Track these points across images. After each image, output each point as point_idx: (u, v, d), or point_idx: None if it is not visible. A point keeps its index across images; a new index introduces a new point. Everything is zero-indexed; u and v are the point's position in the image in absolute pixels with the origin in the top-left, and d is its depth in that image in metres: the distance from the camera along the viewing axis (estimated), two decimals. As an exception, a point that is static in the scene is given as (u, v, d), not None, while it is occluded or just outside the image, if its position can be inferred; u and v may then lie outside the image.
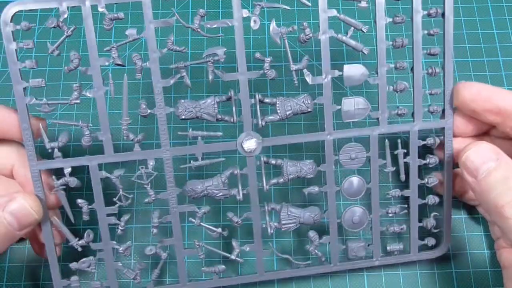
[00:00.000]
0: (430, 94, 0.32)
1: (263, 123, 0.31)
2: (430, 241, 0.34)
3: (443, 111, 0.32)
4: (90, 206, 0.31)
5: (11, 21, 0.28)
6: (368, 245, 0.33)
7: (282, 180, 0.32)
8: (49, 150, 0.30)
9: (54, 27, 0.29)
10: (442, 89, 0.32)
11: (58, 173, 0.30)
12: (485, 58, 0.40)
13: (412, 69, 0.32)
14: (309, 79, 0.31)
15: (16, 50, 0.29)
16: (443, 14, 0.31)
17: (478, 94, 0.30)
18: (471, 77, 0.39)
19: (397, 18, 0.31)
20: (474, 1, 0.39)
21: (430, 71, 0.32)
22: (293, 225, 0.32)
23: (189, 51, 0.37)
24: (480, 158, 0.28)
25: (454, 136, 0.32)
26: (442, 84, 0.32)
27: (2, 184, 0.31)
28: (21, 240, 0.33)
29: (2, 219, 0.27)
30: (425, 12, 0.31)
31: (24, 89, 0.29)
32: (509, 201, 0.27)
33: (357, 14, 0.31)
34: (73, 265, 0.31)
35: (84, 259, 0.31)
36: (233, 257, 0.32)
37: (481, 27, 0.36)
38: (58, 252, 0.32)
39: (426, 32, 0.31)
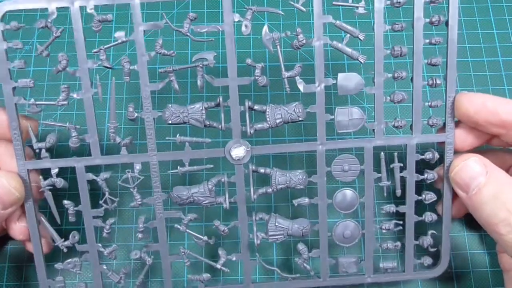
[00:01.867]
0: (430, 106, 0.31)
1: (252, 131, 0.30)
2: (427, 260, 0.32)
3: (444, 124, 0.31)
4: (76, 208, 0.31)
5: (1, 21, 0.28)
6: (360, 261, 0.32)
7: (270, 190, 0.31)
8: (37, 151, 0.30)
9: (42, 27, 0.29)
10: (443, 101, 0.30)
11: (44, 174, 0.30)
12: (485, 58, 0.39)
13: (412, 79, 0.30)
14: (301, 87, 0.30)
15: (5, 50, 0.29)
16: (446, 23, 0.29)
17: (483, 106, 0.28)
18: (471, 77, 0.38)
19: (396, 25, 0.29)
20: (474, 1, 0.38)
21: (430, 82, 0.30)
22: (280, 236, 0.31)
23: (189, 51, 0.36)
24: (469, 173, 0.28)
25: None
26: (443, 96, 0.30)
27: None
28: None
29: None
30: (427, 20, 0.29)
31: (13, 88, 0.29)
32: (502, 218, 0.26)
33: (358, 22, 0.30)
34: (58, 266, 0.31)
35: (69, 260, 0.31)
36: (218, 266, 0.32)
37: (481, 27, 0.35)
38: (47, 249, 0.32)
39: (427, 41, 0.29)
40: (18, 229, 0.31)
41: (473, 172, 0.28)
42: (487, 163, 0.28)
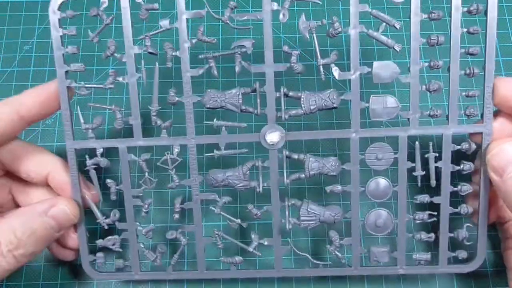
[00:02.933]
0: (467, 96, 0.30)
1: (287, 117, 0.31)
2: (462, 253, 0.32)
3: (482, 115, 0.30)
4: (117, 187, 0.32)
5: (58, 10, 0.31)
6: (393, 252, 0.32)
7: (303, 175, 0.31)
8: (84, 131, 0.32)
9: (95, 15, 0.31)
10: (480, 90, 0.30)
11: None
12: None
13: (448, 68, 0.30)
14: (336, 74, 0.30)
15: (61, 36, 0.31)
16: (485, 12, 0.29)
17: None
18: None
19: (433, 14, 0.30)
20: (474, 1, 0.38)
21: (468, 71, 0.30)
22: (312, 222, 0.32)
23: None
24: (506, 157, 0.27)
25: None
26: (482, 85, 0.30)
27: (39, 191, 0.33)
28: None
29: (46, 224, 0.29)
30: (465, 9, 0.29)
31: (66, 72, 0.31)
32: None
33: (387, 12, 0.30)
34: (99, 242, 0.33)
35: (109, 237, 0.33)
36: (251, 249, 0.32)
37: (481, 27, 0.34)
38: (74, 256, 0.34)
39: (465, 30, 0.29)
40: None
41: (510, 156, 0.27)
42: None
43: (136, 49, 0.31)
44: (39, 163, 0.32)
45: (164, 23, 0.31)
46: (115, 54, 0.31)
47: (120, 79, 0.31)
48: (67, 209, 0.31)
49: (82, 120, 0.32)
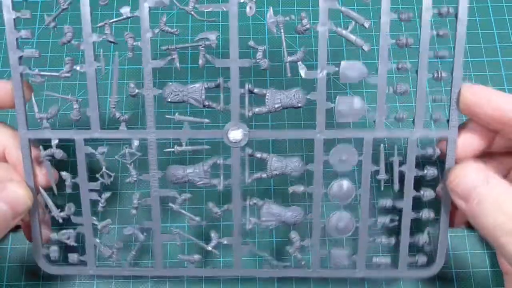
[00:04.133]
0: (434, 100, 0.30)
1: (250, 114, 0.30)
2: (421, 258, 0.31)
3: (448, 120, 0.30)
4: (73, 180, 0.31)
5: (11, -9, 0.29)
6: (353, 255, 0.31)
7: (265, 175, 0.31)
8: (38, 120, 0.30)
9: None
10: (447, 96, 0.29)
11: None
12: (485, 58, 0.39)
13: (416, 71, 0.29)
14: (303, 72, 0.29)
15: (14, 19, 0.29)
16: (456, 15, 0.28)
17: (485, 99, 0.27)
18: (471, 77, 0.38)
19: (403, 15, 0.29)
20: (474, 1, 0.37)
21: (436, 75, 0.29)
22: (273, 223, 0.31)
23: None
24: (469, 182, 0.27)
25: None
26: (449, 91, 0.29)
27: None
28: (16, 228, 0.34)
29: None
30: (436, 11, 0.28)
31: (20, 58, 0.30)
32: (506, 230, 0.25)
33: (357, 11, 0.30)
34: (53, 236, 0.32)
35: (64, 231, 0.32)
36: (209, 248, 0.32)
37: (481, 27, 0.34)
38: (49, 227, 0.32)
39: (435, 32, 0.29)
40: None
41: (473, 181, 0.27)
42: (487, 171, 0.27)
43: (94, 37, 0.29)
44: None
45: (125, 10, 0.29)
46: (72, 42, 0.30)
47: (78, 68, 0.30)
48: (19, 191, 0.29)
49: (36, 109, 0.31)
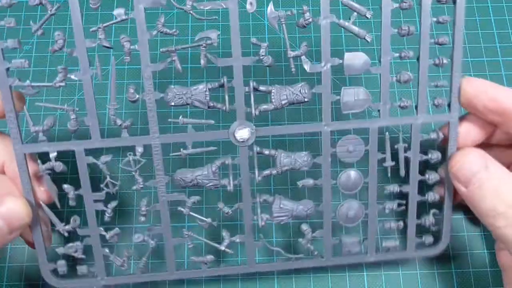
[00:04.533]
0: (436, 86, 0.30)
1: (257, 112, 0.29)
2: (428, 238, 0.33)
3: (449, 104, 0.30)
4: (76, 192, 0.30)
5: (-8, -2, 0.27)
6: (363, 241, 0.32)
7: (275, 171, 0.31)
8: (34, 134, 0.29)
9: (37, 5, 0.27)
10: (448, 81, 0.30)
11: (43, 159, 0.29)
12: (485, 58, 0.39)
13: (418, 58, 0.30)
14: (307, 66, 0.29)
15: None
16: (454, 1, 0.29)
17: (483, 91, 0.28)
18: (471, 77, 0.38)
19: (404, 3, 0.29)
20: (474, 1, 0.38)
21: (437, 61, 0.30)
22: (285, 217, 0.31)
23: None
24: (470, 167, 0.28)
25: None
26: (449, 76, 0.30)
27: None
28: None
29: None
30: (435, -2, 0.29)
31: (7, 70, 0.28)
32: (501, 212, 0.27)
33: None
34: (60, 250, 0.31)
35: (71, 244, 0.31)
36: (222, 247, 0.32)
37: (481, 27, 0.35)
38: (49, 241, 0.31)
39: (435, 19, 0.29)
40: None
41: (474, 167, 0.28)
42: (488, 158, 0.28)
43: (88, 43, 0.28)
44: None
45: (119, 12, 0.28)
46: (65, 49, 0.28)
47: (72, 76, 0.28)
48: (16, 207, 0.28)
49: (30, 123, 0.29)
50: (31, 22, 0.28)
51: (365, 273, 0.35)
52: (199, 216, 0.31)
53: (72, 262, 0.31)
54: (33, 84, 0.28)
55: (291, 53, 0.29)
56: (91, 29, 0.28)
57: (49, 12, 0.27)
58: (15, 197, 0.29)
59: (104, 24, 0.28)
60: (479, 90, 0.29)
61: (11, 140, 0.29)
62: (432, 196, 0.32)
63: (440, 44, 0.30)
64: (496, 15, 0.39)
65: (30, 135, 0.29)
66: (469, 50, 0.39)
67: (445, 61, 0.30)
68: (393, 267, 0.35)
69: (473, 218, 0.35)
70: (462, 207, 0.34)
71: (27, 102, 0.30)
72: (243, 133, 0.29)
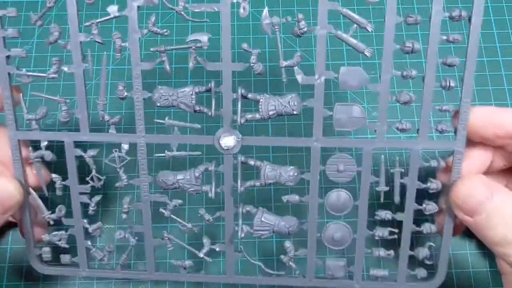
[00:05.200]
0: (441, 110, 0.28)
1: (243, 121, 0.28)
2: (421, 272, 0.30)
3: (455, 131, 0.28)
4: (63, 182, 0.31)
5: (-5, -13, 0.28)
6: (349, 266, 0.30)
7: (258, 183, 0.29)
8: (27, 122, 0.30)
9: (35, -3, 0.28)
10: (454, 105, 0.27)
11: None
12: (485, 58, 0.38)
13: (423, 79, 0.27)
14: (299, 78, 0.28)
15: (1, 17, 0.28)
16: (469, 19, 0.26)
17: (489, 120, 0.27)
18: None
19: (410, 18, 0.26)
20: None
21: (444, 84, 0.27)
22: (265, 232, 0.30)
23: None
24: (475, 196, 0.26)
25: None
26: (454, 100, 0.27)
27: None
28: (12, 226, 0.33)
29: None
30: (447, 14, 0.26)
31: (7, 57, 0.29)
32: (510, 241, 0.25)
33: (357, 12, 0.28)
34: (45, 237, 0.32)
35: (55, 232, 0.31)
36: (201, 255, 0.31)
37: (482, 27, 0.32)
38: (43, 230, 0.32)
39: (444, 38, 0.26)
40: None
41: (480, 196, 0.26)
42: (493, 185, 0.26)
43: (82, 37, 0.28)
44: None
45: (112, 9, 0.28)
46: (59, 41, 0.28)
47: (65, 68, 0.29)
48: (9, 186, 0.29)
49: (25, 110, 0.30)
50: (31, 13, 0.28)
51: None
52: (180, 220, 0.31)
53: (58, 250, 0.32)
54: (28, 73, 0.29)
55: (283, 63, 0.28)
56: (84, 24, 0.28)
57: (47, 4, 0.28)
58: (7, 176, 0.29)
59: (97, 20, 0.28)
60: (485, 119, 0.27)
61: (3, 126, 0.29)
62: (428, 228, 0.29)
63: (449, 65, 0.27)
64: (496, 15, 0.37)
65: (24, 123, 0.30)
66: None
67: (452, 84, 0.27)
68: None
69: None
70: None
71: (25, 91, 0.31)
72: (228, 140, 0.29)
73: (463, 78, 0.27)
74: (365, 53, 0.27)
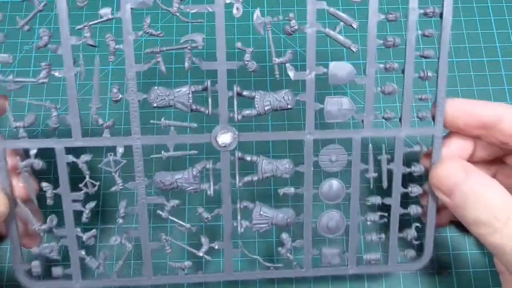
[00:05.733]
0: (420, 99, 0.30)
1: (240, 117, 0.29)
2: (410, 253, 0.32)
3: (433, 118, 0.30)
4: (55, 191, 0.30)
5: (-21, -9, 0.27)
6: (344, 253, 0.32)
7: (256, 178, 0.30)
8: (14, 130, 0.29)
9: (24, 0, 0.27)
10: (433, 95, 0.30)
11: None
12: (485, 58, 0.39)
13: (403, 70, 0.30)
14: (292, 74, 0.29)
15: None
16: (441, 15, 0.29)
17: (462, 111, 0.29)
18: (471, 77, 0.38)
19: (390, 15, 0.29)
20: (474, 1, 0.38)
21: (422, 74, 0.30)
22: (265, 225, 0.31)
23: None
24: (451, 177, 0.28)
25: None
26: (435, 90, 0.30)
27: None
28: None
29: None
30: (422, 11, 0.29)
31: (-9, 64, 0.28)
32: (485, 221, 0.26)
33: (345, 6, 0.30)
34: (34, 250, 0.30)
35: (46, 244, 0.30)
36: (200, 253, 0.31)
37: (481, 27, 0.35)
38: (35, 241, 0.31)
39: (420, 32, 0.29)
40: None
41: (455, 176, 0.28)
42: (468, 166, 0.28)
43: (73, 40, 0.28)
44: None
45: (105, 12, 0.28)
46: (49, 46, 0.28)
47: (56, 73, 0.28)
48: None
49: (11, 118, 0.29)
50: (17, 17, 0.28)
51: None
52: (178, 221, 0.31)
53: (48, 263, 0.31)
54: (15, 79, 0.28)
55: (276, 60, 0.29)
56: (77, 27, 0.28)
57: (36, 8, 0.27)
58: None
59: (90, 23, 0.28)
60: (459, 109, 0.29)
61: None
62: (414, 210, 0.31)
63: (426, 57, 0.30)
64: (496, 15, 0.39)
65: (11, 132, 0.29)
66: (469, 50, 0.39)
67: (430, 74, 0.30)
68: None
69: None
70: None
71: (11, 99, 0.30)
72: (225, 137, 0.29)
73: (437, 68, 0.30)
74: (352, 48, 0.29)
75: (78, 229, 0.30)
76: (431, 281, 0.34)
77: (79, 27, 0.28)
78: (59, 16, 0.27)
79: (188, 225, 0.31)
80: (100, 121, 0.29)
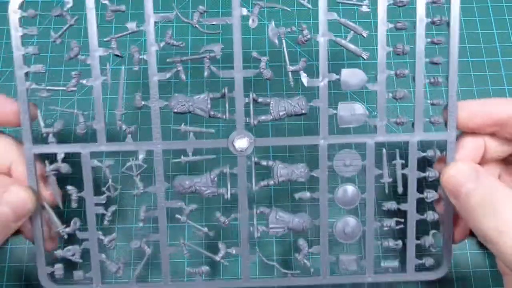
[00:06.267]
0: (432, 104, 0.31)
1: (255, 122, 0.31)
2: (428, 261, 0.32)
3: (446, 123, 0.31)
4: (79, 194, 0.31)
5: (19, 8, 0.29)
6: (361, 260, 0.32)
7: (272, 182, 0.31)
8: (44, 135, 0.31)
9: (58, 15, 0.30)
10: (444, 100, 0.31)
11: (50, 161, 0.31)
12: (485, 58, 0.39)
13: (413, 77, 0.31)
14: (305, 80, 0.30)
15: (21, 36, 0.30)
16: (448, 24, 0.30)
17: (476, 112, 0.30)
18: (471, 77, 0.38)
19: (399, 24, 0.30)
20: (474, 1, 0.39)
21: (432, 80, 0.31)
22: (281, 230, 0.31)
23: (189, 50, 0.37)
24: (459, 179, 0.27)
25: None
26: (444, 96, 0.30)
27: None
28: (16, 233, 0.33)
29: None
30: (429, 20, 0.30)
31: (26, 74, 0.30)
32: (491, 225, 0.25)
33: (358, 17, 0.31)
34: (58, 253, 0.31)
35: (69, 247, 0.31)
36: (218, 258, 0.32)
37: (481, 27, 0.36)
38: (53, 243, 0.32)
39: (429, 40, 0.30)
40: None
41: (463, 178, 0.27)
42: (478, 169, 0.28)
43: (101, 51, 0.30)
44: (2, 152, 0.30)
45: (131, 25, 0.30)
46: (79, 56, 0.30)
47: (84, 81, 0.30)
48: (22, 194, 0.29)
49: (42, 124, 0.31)
50: (51, 32, 0.30)
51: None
52: (196, 225, 0.32)
53: (67, 265, 0.32)
54: (47, 88, 0.30)
55: (290, 68, 0.30)
56: (104, 39, 0.30)
57: (68, 23, 0.30)
58: (20, 185, 0.30)
59: (116, 35, 0.30)
60: (472, 112, 0.30)
61: (19, 143, 0.30)
62: (431, 215, 0.31)
63: (435, 64, 0.31)
64: (496, 15, 0.39)
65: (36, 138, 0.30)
66: (469, 50, 0.40)
67: (440, 80, 0.31)
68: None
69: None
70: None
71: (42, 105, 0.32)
72: (241, 142, 0.30)
73: (447, 75, 0.30)
74: (362, 55, 0.30)
75: (100, 232, 0.31)
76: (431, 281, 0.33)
77: (106, 39, 0.30)
78: (88, 29, 0.30)
79: (205, 229, 0.31)
80: (124, 127, 0.31)
